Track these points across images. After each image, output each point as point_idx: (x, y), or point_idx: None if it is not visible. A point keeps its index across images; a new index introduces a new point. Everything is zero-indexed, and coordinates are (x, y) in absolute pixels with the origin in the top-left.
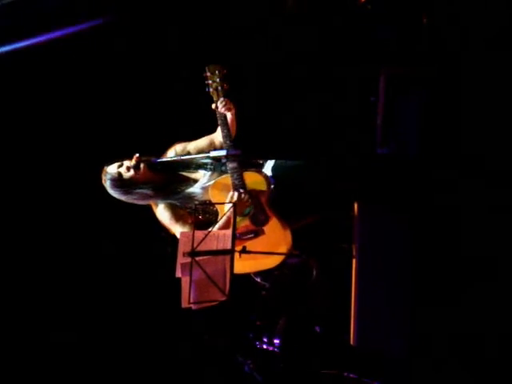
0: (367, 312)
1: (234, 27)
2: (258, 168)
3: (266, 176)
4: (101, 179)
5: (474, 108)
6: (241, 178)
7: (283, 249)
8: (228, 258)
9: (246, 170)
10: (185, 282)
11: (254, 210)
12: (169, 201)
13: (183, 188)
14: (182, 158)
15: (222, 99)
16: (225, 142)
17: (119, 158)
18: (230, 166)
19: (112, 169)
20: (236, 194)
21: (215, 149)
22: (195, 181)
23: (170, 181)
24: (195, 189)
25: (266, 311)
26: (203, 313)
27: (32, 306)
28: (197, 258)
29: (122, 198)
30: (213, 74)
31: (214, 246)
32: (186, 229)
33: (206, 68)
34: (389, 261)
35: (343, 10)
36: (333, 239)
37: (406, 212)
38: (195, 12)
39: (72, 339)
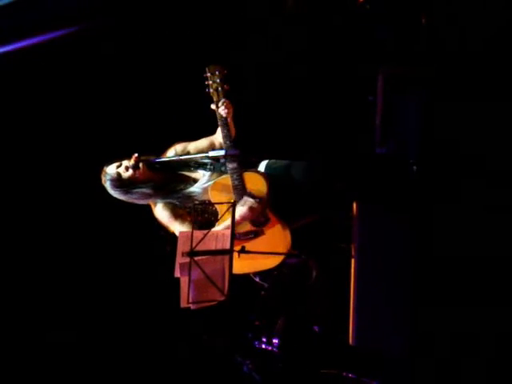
0: (366, 312)
1: (234, 27)
2: (253, 167)
3: (266, 177)
4: (101, 180)
5: (474, 108)
6: (240, 179)
7: (282, 249)
8: (227, 257)
9: (246, 171)
10: (184, 281)
11: None
12: (168, 200)
13: (183, 187)
14: (181, 157)
15: (222, 100)
16: (224, 143)
17: (119, 158)
18: (230, 166)
19: (111, 169)
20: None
21: (213, 149)
22: (195, 180)
23: (170, 180)
24: (195, 188)
25: (264, 311)
26: (202, 313)
27: (31, 306)
28: (196, 258)
29: (122, 197)
30: (213, 74)
31: (212, 246)
32: (184, 227)
33: (207, 68)
34: (388, 261)
35: (342, 9)
36: (332, 239)
37: (404, 212)
38: (196, 12)
39: (71, 339)
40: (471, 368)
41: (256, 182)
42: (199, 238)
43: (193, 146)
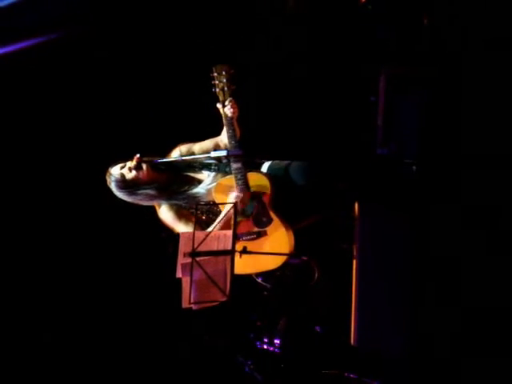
0: (368, 312)
1: (234, 27)
2: (256, 168)
3: (269, 177)
4: (106, 181)
5: (475, 108)
6: (244, 179)
7: (285, 250)
8: (229, 258)
9: (250, 171)
10: (185, 282)
11: (256, 211)
12: (173, 201)
13: (187, 188)
14: (183, 158)
15: (228, 100)
16: (230, 143)
17: (124, 159)
18: (234, 166)
19: (115, 170)
20: (235, 193)
21: (216, 149)
22: (199, 181)
23: (174, 181)
24: (199, 189)
25: (266, 312)
26: (204, 313)
27: (34, 307)
28: (197, 259)
29: (128, 198)
30: (220, 74)
31: (214, 247)
32: (189, 228)
33: (213, 68)
34: (389, 261)
35: (344, 10)
36: (333, 239)
37: (406, 212)
38: (198, 12)
39: (72, 339)
40: (471, 368)
41: (260, 182)
42: (201, 239)
43: (197, 147)
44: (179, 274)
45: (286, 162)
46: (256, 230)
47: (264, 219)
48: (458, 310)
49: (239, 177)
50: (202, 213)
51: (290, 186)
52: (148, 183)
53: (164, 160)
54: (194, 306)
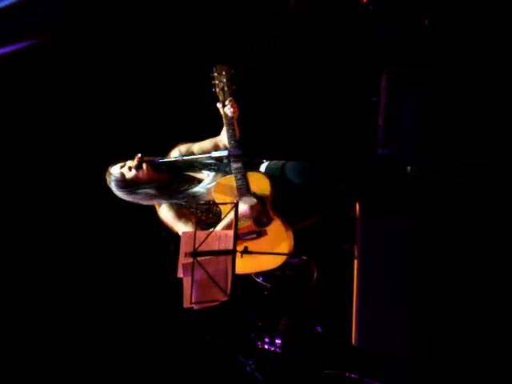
0: (369, 312)
1: (234, 27)
2: (255, 168)
3: (269, 177)
4: (105, 180)
5: (475, 108)
6: (244, 179)
7: (285, 249)
8: (230, 258)
9: (250, 171)
10: (186, 282)
11: (256, 211)
12: (173, 201)
13: (187, 188)
14: (184, 158)
15: (228, 99)
16: (229, 143)
17: (124, 158)
18: (234, 166)
19: (115, 169)
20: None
21: (216, 149)
22: (199, 181)
23: (174, 181)
24: (199, 189)
25: (267, 311)
26: (205, 313)
27: (35, 307)
28: (198, 258)
29: (127, 198)
30: (220, 74)
31: (215, 247)
32: (188, 227)
33: (214, 68)
34: (390, 261)
35: (345, 10)
36: (334, 240)
37: (407, 213)
38: (198, 12)
39: (73, 339)
40: (471, 368)
41: (259, 182)
42: (202, 239)
43: (197, 146)
44: (180, 274)
45: (282, 162)
46: (256, 229)
47: (264, 219)
48: (457, 310)
49: (239, 177)
50: (201, 212)
51: (286, 185)
52: (148, 182)
53: (165, 160)
54: (195, 306)
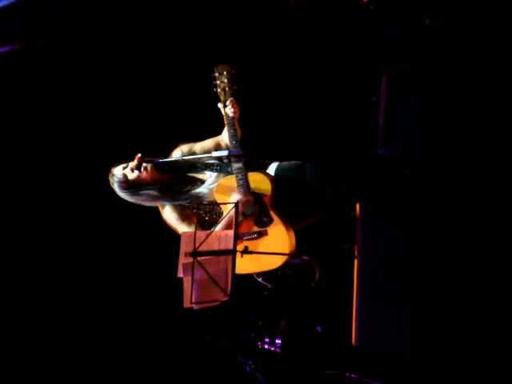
0: (369, 312)
1: (234, 28)
2: (263, 169)
3: (270, 177)
4: (108, 181)
5: (476, 108)
6: (245, 179)
7: (286, 250)
8: (230, 258)
9: (251, 171)
10: (187, 281)
11: (256, 211)
12: (176, 202)
13: (190, 189)
14: (185, 158)
15: (229, 99)
16: (231, 142)
17: (127, 159)
18: (235, 166)
19: (118, 171)
20: (237, 195)
21: (218, 149)
22: (202, 181)
23: (177, 182)
24: (202, 189)
25: (267, 311)
26: (205, 313)
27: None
28: (199, 258)
29: (130, 199)
30: (221, 74)
31: (216, 247)
32: (192, 228)
33: (215, 68)
34: (390, 261)
35: (345, 10)
36: (334, 240)
37: (407, 213)
38: (199, 12)
39: (73, 339)
40: (471, 368)
41: (260, 182)
42: (202, 239)
43: (198, 146)
44: (180, 274)
45: (296, 163)
46: (257, 229)
47: (265, 219)
48: (457, 310)
49: (240, 177)
50: (205, 213)
51: (299, 186)
52: (151, 184)
53: (166, 160)
54: (195, 306)
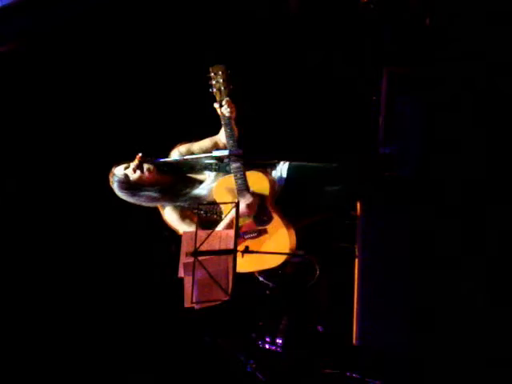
0: (370, 312)
1: (234, 28)
2: (271, 168)
3: (268, 175)
4: (108, 180)
5: (476, 108)
6: (243, 178)
7: (286, 247)
8: (231, 257)
9: (249, 170)
10: (187, 281)
11: (256, 210)
12: (176, 203)
13: (189, 190)
14: (185, 157)
15: (225, 99)
16: (228, 142)
17: (127, 159)
18: (233, 165)
19: (119, 170)
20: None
21: (217, 149)
22: (201, 182)
23: (176, 183)
24: (201, 190)
25: (268, 311)
26: (206, 312)
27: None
28: (199, 258)
29: (130, 199)
30: (216, 74)
31: (216, 246)
32: (192, 228)
33: (210, 69)
34: (391, 261)
35: (346, 9)
36: (335, 239)
37: (408, 212)
38: (198, 12)
39: (73, 339)
40: (471, 368)
41: (258, 181)
42: (203, 238)
43: (196, 146)
44: (181, 274)
45: (303, 164)
46: (257, 228)
47: (264, 218)
48: (458, 310)
49: (238, 176)
50: (205, 213)
51: (303, 186)
52: (152, 185)
53: (166, 160)
54: (196, 306)
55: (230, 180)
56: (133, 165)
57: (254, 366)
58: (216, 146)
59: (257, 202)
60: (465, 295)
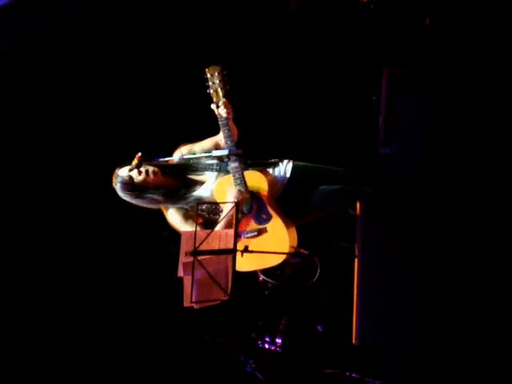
0: (369, 311)
1: (235, 28)
2: (272, 167)
3: (267, 174)
4: (110, 181)
5: (476, 108)
6: (242, 178)
7: (286, 246)
8: (230, 257)
9: (248, 170)
10: (187, 281)
11: (255, 209)
12: (179, 205)
13: (192, 192)
14: (185, 157)
15: (221, 100)
16: (226, 143)
17: (127, 160)
18: (232, 165)
19: (123, 172)
20: (233, 193)
21: (217, 148)
22: (202, 183)
23: (179, 186)
24: (203, 192)
25: (268, 310)
26: (205, 312)
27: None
28: (199, 258)
29: (132, 201)
30: (212, 75)
31: (216, 246)
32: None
33: (206, 69)
34: (391, 261)
35: (345, 9)
36: (335, 239)
37: (408, 212)
38: (197, 12)
39: (73, 338)
40: (471, 367)
41: (257, 180)
42: (202, 238)
43: (198, 147)
44: (181, 273)
45: (306, 164)
46: (256, 227)
47: (263, 216)
48: (458, 309)
49: (237, 176)
50: (207, 213)
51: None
52: (156, 188)
53: (165, 159)
54: (195, 305)
55: (230, 180)
56: (134, 165)
57: (253, 365)
58: (217, 146)
59: (243, 196)
60: (465, 293)
